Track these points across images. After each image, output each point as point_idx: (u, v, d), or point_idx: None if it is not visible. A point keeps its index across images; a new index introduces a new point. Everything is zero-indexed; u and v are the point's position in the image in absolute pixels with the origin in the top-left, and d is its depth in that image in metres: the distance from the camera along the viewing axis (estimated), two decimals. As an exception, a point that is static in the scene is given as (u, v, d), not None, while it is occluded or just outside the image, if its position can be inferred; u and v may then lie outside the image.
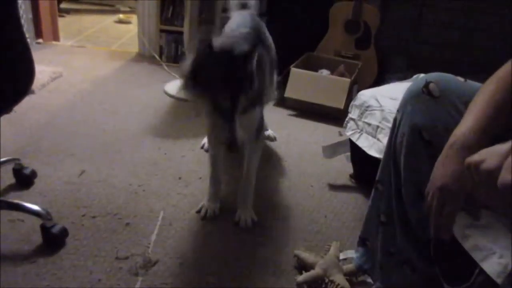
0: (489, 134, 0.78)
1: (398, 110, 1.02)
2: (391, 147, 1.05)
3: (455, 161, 0.78)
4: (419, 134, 0.94)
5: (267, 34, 1.78)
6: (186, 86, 1.30)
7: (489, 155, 0.65)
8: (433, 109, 0.93)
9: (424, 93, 0.94)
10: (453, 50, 3.03)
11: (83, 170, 1.76)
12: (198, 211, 1.59)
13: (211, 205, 1.59)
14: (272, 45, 1.76)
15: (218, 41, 1.25)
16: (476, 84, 0.94)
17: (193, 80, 1.27)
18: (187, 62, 1.29)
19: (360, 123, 1.72)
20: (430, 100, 0.93)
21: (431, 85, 0.93)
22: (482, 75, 0.93)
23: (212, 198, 1.61)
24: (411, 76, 2.10)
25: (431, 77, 0.95)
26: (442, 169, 0.80)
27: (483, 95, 0.83)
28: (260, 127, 1.56)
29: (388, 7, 3.03)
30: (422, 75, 2.00)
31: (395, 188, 1.05)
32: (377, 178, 1.15)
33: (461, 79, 0.97)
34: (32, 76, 1.21)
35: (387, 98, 1.66)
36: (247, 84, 1.23)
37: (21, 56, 1.16)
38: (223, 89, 1.22)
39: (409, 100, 0.98)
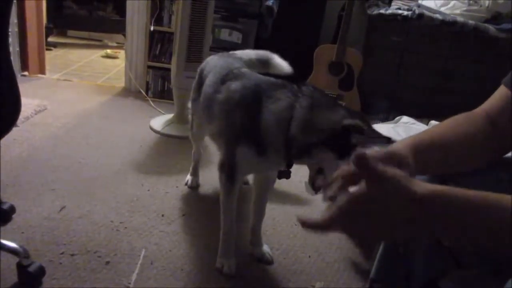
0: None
1: None
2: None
3: None
4: None
5: None
6: None
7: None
8: None
9: None
10: (433, 93, 3.15)
11: (63, 206, 1.72)
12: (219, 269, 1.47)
13: (227, 261, 1.48)
14: None
15: None
16: None
17: None
18: None
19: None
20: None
21: None
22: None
23: (228, 252, 1.49)
24: (393, 118, 2.16)
25: None
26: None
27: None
28: None
29: (370, 51, 3.15)
30: (404, 117, 2.07)
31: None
32: (371, 276, 1.04)
33: None
34: (18, 111, 1.19)
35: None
36: None
37: (8, 90, 1.15)
38: None
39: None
